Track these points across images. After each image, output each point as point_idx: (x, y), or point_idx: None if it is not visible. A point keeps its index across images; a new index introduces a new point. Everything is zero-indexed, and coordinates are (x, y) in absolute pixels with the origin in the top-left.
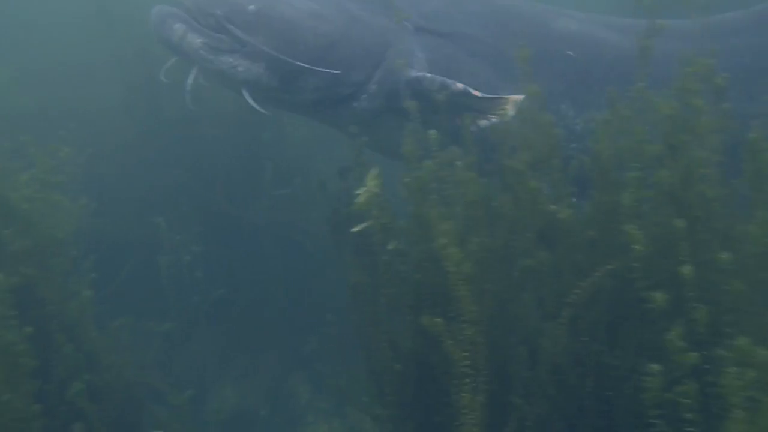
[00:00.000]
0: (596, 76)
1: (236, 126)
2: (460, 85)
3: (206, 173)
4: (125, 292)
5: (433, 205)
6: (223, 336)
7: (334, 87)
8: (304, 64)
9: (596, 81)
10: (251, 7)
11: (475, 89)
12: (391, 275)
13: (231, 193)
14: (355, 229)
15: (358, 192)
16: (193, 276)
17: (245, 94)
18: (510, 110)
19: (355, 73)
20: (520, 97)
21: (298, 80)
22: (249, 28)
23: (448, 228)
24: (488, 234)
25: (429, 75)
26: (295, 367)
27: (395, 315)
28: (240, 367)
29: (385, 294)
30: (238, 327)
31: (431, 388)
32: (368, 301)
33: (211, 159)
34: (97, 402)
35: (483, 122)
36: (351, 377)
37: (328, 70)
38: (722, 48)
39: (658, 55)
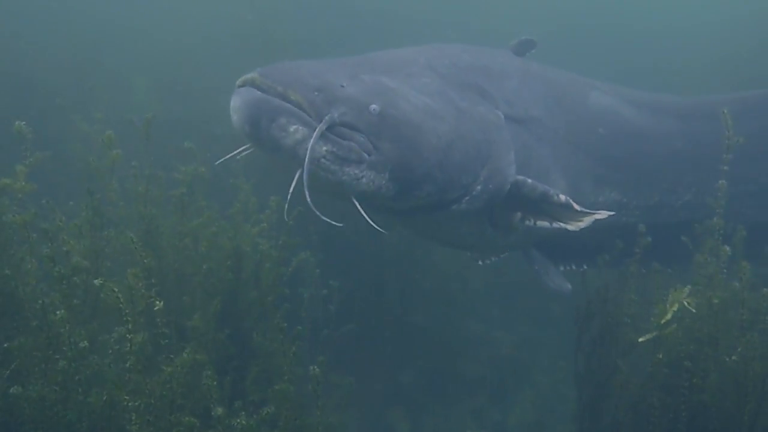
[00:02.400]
0: (615, 154)
1: None
2: (562, 197)
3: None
4: None
5: None
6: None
7: (446, 192)
8: (439, 173)
9: (614, 158)
10: (373, 106)
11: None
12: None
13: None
14: (642, 339)
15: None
16: (326, 309)
17: (357, 205)
18: (585, 223)
19: (465, 176)
20: (605, 214)
21: (416, 188)
22: (374, 133)
23: None
24: None
25: (530, 181)
26: (393, 400)
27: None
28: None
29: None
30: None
31: None
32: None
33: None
34: None
35: (545, 223)
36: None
37: (446, 177)
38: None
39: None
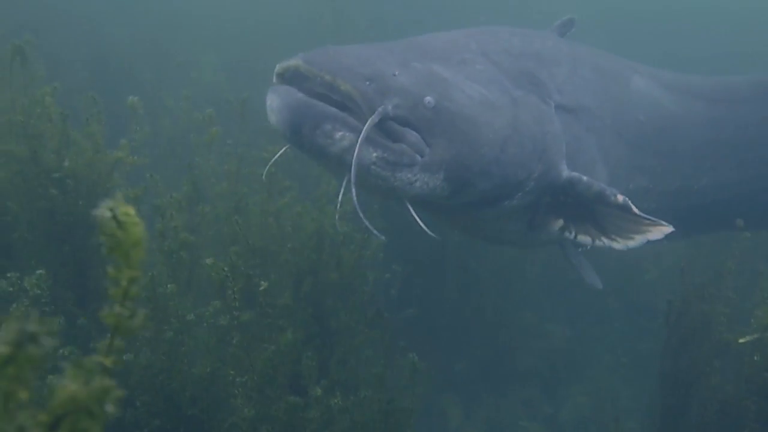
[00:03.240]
0: (650, 140)
1: None
2: (620, 198)
3: None
4: None
5: None
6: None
7: (502, 188)
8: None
9: (649, 145)
10: (428, 99)
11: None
12: None
13: None
14: (743, 340)
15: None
16: (388, 293)
17: (410, 208)
18: (653, 235)
19: (521, 171)
20: (670, 228)
21: (471, 186)
22: (428, 129)
23: None
24: None
25: (585, 179)
26: (447, 387)
27: None
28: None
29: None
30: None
31: None
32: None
33: None
34: None
35: (587, 239)
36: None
37: (503, 173)
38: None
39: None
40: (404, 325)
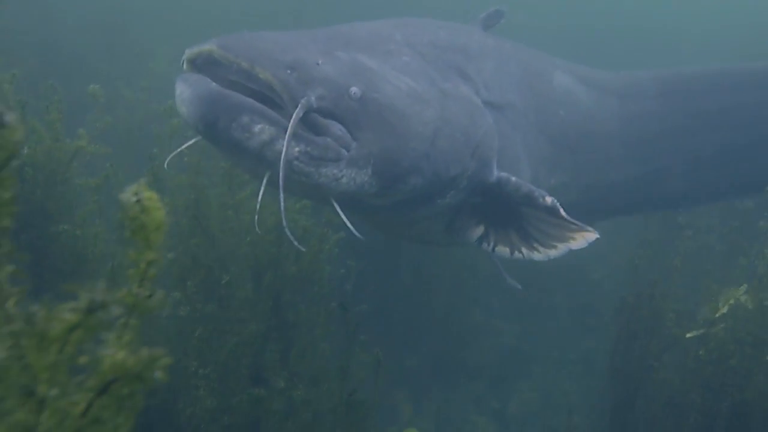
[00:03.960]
0: (570, 136)
1: None
2: (548, 200)
3: None
4: None
5: None
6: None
7: (434, 185)
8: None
9: (568, 140)
10: (354, 90)
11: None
12: None
13: None
14: (690, 335)
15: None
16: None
17: (337, 207)
18: (577, 244)
19: (453, 166)
20: (595, 235)
21: (399, 183)
22: (354, 122)
23: None
24: None
25: (513, 180)
26: (398, 382)
27: None
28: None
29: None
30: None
31: None
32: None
33: None
34: None
35: (505, 251)
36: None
37: (434, 168)
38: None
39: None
40: (357, 320)
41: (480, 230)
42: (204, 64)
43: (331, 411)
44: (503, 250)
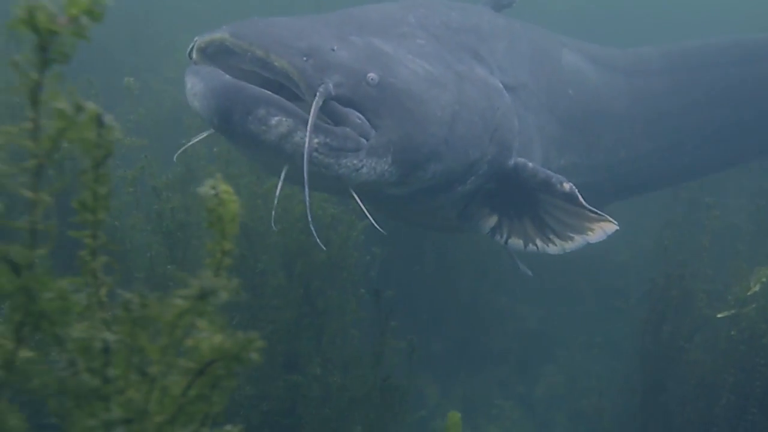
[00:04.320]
0: (578, 115)
1: None
2: (566, 186)
3: None
4: None
5: None
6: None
7: (452, 172)
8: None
9: (577, 120)
10: (371, 75)
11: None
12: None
13: None
14: (721, 315)
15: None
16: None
17: (357, 198)
18: (595, 236)
19: (473, 151)
20: (614, 226)
21: (419, 170)
22: (373, 109)
23: None
24: None
25: (530, 165)
26: (424, 366)
27: None
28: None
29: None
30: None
31: None
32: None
33: None
34: None
35: (518, 243)
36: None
37: (453, 153)
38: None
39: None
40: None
41: (493, 220)
42: (215, 53)
43: (365, 396)
44: (517, 241)
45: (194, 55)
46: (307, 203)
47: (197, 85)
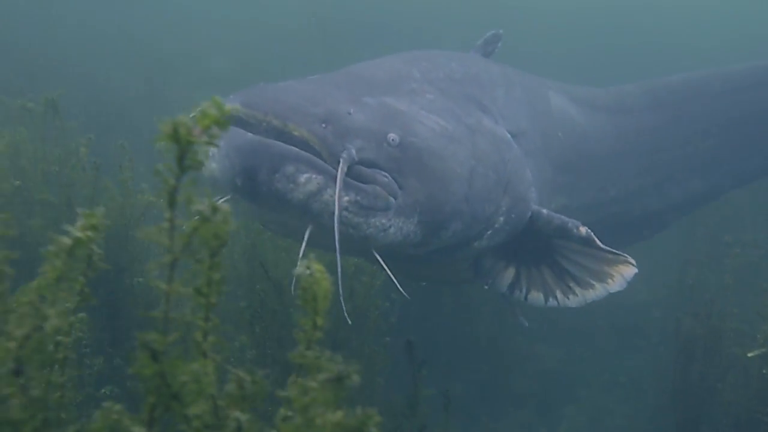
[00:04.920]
0: (568, 157)
1: None
2: (583, 230)
3: None
4: None
5: None
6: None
7: (471, 228)
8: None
9: (567, 162)
10: (392, 136)
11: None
12: None
13: None
14: (752, 354)
15: None
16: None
17: (380, 260)
18: (615, 285)
19: (489, 205)
20: (633, 270)
21: (443, 229)
22: (397, 169)
23: None
24: None
25: (545, 212)
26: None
27: None
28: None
29: None
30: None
31: None
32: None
33: None
34: None
35: (539, 298)
36: None
37: (472, 210)
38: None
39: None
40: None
41: (510, 273)
42: None
43: None
44: (537, 296)
45: None
46: (339, 266)
47: (237, 153)
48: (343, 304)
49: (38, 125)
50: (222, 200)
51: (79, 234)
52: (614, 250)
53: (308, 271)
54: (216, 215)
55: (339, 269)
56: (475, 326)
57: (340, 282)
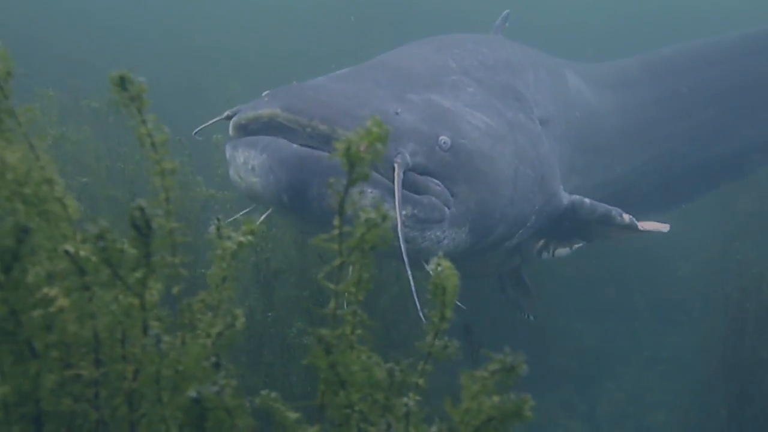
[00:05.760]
0: (582, 137)
1: None
2: (626, 217)
3: None
4: None
5: None
6: None
7: (511, 230)
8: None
9: (581, 141)
10: (443, 138)
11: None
12: None
13: None
14: None
15: None
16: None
17: (427, 268)
18: (648, 226)
19: (527, 206)
20: (666, 226)
21: (489, 235)
22: (449, 175)
23: None
24: None
25: (588, 202)
26: None
27: None
28: None
29: None
30: None
31: None
32: None
33: None
34: None
35: (565, 251)
36: None
37: (515, 212)
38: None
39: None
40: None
41: (541, 243)
42: (261, 130)
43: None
44: (563, 251)
45: (232, 132)
46: (410, 278)
47: (256, 158)
48: (418, 305)
49: (101, 124)
50: (244, 212)
51: (241, 238)
52: (652, 227)
53: (439, 268)
54: (385, 222)
55: (410, 278)
56: (511, 308)
57: (413, 289)
